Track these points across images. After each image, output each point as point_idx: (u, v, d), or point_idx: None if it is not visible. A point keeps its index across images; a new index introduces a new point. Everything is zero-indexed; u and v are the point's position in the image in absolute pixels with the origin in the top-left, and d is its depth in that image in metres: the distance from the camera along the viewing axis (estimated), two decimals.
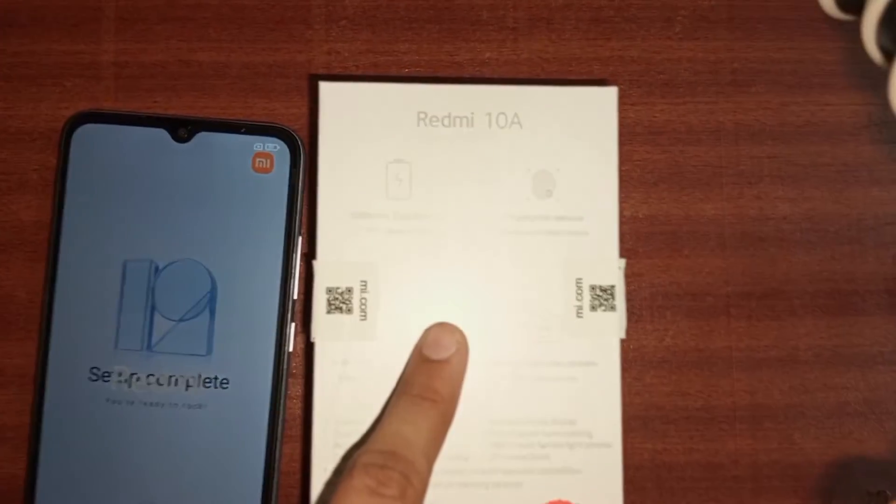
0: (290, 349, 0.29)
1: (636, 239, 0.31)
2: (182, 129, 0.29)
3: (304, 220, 0.29)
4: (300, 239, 0.29)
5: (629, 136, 0.31)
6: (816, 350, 0.31)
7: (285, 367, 0.29)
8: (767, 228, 0.31)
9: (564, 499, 0.26)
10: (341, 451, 0.26)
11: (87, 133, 0.29)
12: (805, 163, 0.32)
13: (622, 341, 0.27)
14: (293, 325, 0.29)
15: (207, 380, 0.29)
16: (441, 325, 0.27)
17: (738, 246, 0.31)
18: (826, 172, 0.32)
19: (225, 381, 0.29)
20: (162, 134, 0.29)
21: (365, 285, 0.26)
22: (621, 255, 0.28)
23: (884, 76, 0.27)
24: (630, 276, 0.31)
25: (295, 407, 0.30)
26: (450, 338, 0.26)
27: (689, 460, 0.31)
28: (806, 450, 0.31)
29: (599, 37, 0.32)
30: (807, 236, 0.31)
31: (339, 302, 0.26)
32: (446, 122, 0.27)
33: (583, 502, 0.26)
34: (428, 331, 0.27)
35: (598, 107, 0.27)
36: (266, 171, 0.29)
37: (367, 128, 0.27)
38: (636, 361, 0.31)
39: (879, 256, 0.31)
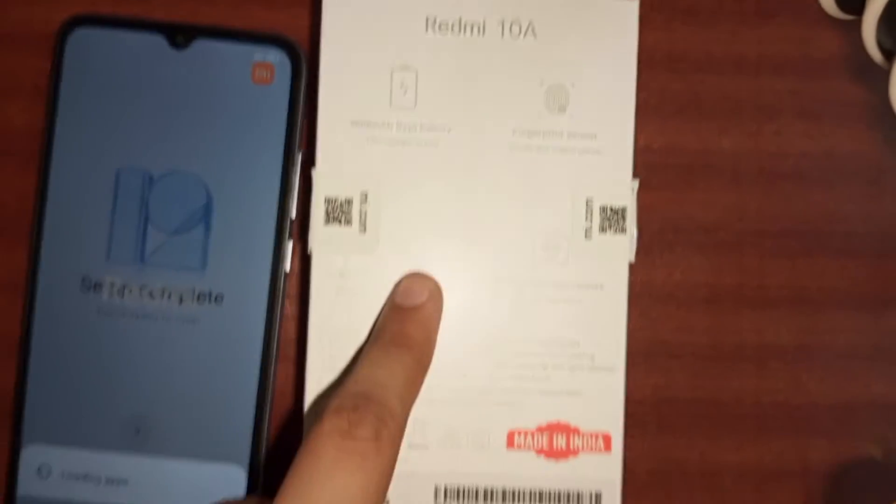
0: (287, 269, 0.29)
1: (649, 170, 0.31)
2: (180, 35, 0.29)
3: (305, 134, 0.29)
4: (299, 155, 0.28)
5: (647, 62, 0.30)
6: (828, 292, 0.31)
7: (282, 285, 0.28)
8: (785, 165, 0.31)
9: (563, 420, 0.26)
10: (338, 364, 0.26)
11: (83, 37, 0.29)
12: (828, 99, 0.31)
13: (631, 266, 0.27)
14: (290, 243, 0.28)
15: (201, 294, 0.28)
16: (413, 275, 0.26)
17: (753, 182, 0.31)
18: (849, 111, 0.31)
19: (220, 296, 0.28)
20: (159, 40, 0.29)
21: (365, 197, 0.26)
22: (634, 177, 0.27)
23: (885, 75, 0.28)
24: (641, 209, 0.30)
25: (290, 329, 0.29)
26: (422, 285, 0.26)
27: (692, 397, 0.30)
28: (811, 392, 0.31)
29: None
30: (825, 175, 0.31)
31: (339, 213, 0.26)
32: (456, 28, 0.26)
33: (582, 425, 0.26)
34: (400, 281, 0.26)
35: (619, 21, 0.26)
36: (266, 82, 0.29)
37: (371, 31, 0.26)
38: (643, 295, 0.30)
39: None
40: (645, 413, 0.30)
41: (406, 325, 0.25)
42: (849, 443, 0.31)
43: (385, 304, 0.26)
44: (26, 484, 0.28)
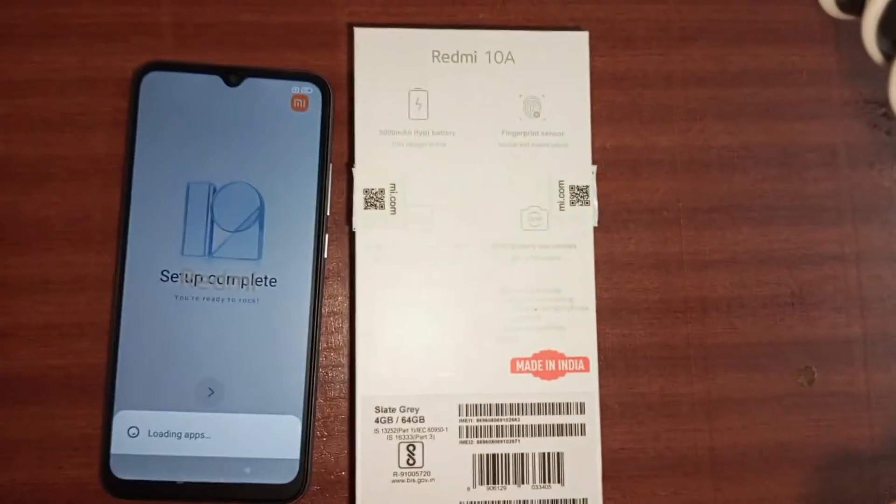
0: (325, 255, 0.35)
1: (605, 165, 0.37)
2: (233, 75, 0.35)
3: (334, 149, 0.35)
4: (331, 166, 0.35)
5: (598, 81, 0.38)
6: (752, 253, 0.37)
7: (322, 269, 0.34)
8: (710, 156, 0.38)
9: (552, 349, 0.33)
10: (378, 317, 0.32)
11: (154, 79, 0.35)
12: (741, 102, 0.38)
13: (595, 230, 0.34)
14: (327, 236, 0.35)
15: (259, 279, 0.34)
16: None
17: (687, 170, 0.38)
18: (758, 110, 0.38)
19: (273, 280, 0.34)
20: (216, 80, 0.35)
21: (394, 186, 0.33)
22: (593, 163, 0.34)
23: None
24: (601, 196, 0.37)
25: (338, 304, 0.36)
26: None
27: (649, 342, 0.37)
28: (745, 334, 0.37)
29: (573, 1, 0.38)
30: (742, 162, 0.38)
31: (374, 200, 0.33)
32: (455, 58, 0.33)
33: (567, 352, 0.33)
34: None
35: (574, 47, 0.34)
36: (302, 109, 0.35)
37: (392, 63, 0.33)
38: (607, 264, 0.37)
39: (802, 177, 0.38)
40: (614, 358, 0.37)
41: None
42: (778, 374, 0.37)
43: None
44: (119, 444, 0.33)
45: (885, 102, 0.38)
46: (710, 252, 0.37)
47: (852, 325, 0.37)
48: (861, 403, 0.37)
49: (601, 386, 0.36)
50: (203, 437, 0.34)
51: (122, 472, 0.33)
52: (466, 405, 0.32)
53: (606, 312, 0.36)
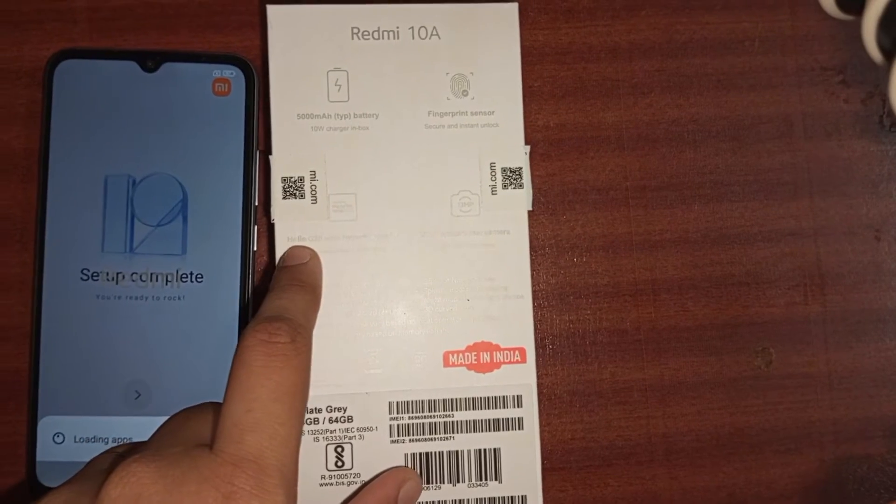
0: (255, 248, 0.33)
1: (549, 144, 0.36)
2: (150, 60, 0.34)
3: (261, 134, 0.34)
4: (258, 153, 0.34)
5: (539, 56, 0.36)
6: (704, 232, 0.36)
7: (251, 262, 0.33)
8: (659, 131, 0.36)
9: (487, 340, 0.31)
10: None
11: (68, 68, 0.33)
12: (690, 73, 0.37)
13: (539, 212, 0.32)
14: (255, 227, 0.34)
15: (184, 275, 0.33)
16: (295, 245, 0.31)
17: (634, 147, 0.36)
18: (708, 82, 0.37)
19: (199, 275, 0.33)
20: (132, 66, 0.34)
21: (314, 175, 0.31)
22: (527, 143, 0.33)
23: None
24: (545, 177, 0.36)
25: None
26: (303, 250, 0.31)
27: (598, 328, 0.36)
28: (698, 315, 0.36)
29: None
30: (693, 136, 0.36)
31: (293, 189, 0.31)
32: (376, 35, 0.32)
33: (502, 343, 0.31)
34: (284, 252, 0.31)
35: (503, 20, 0.32)
36: (224, 94, 0.34)
37: (308, 42, 0.31)
38: (552, 247, 0.36)
39: (756, 151, 0.37)
40: (561, 345, 0.35)
41: (295, 274, 0.30)
42: (734, 357, 0.36)
43: (276, 271, 0.31)
44: (44, 451, 0.32)
45: (843, 69, 0.37)
46: (661, 232, 0.36)
47: (811, 303, 0.36)
48: (822, 384, 0.36)
49: (550, 374, 0.35)
50: (131, 441, 0.32)
51: (49, 480, 0.33)
52: (397, 403, 0.31)
53: (553, 298, 0.35)
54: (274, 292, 0.29)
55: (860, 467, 0.36)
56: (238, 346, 0.25)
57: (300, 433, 0.25)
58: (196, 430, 0.27)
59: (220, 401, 0.26)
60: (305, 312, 0.28)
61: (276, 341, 0.25)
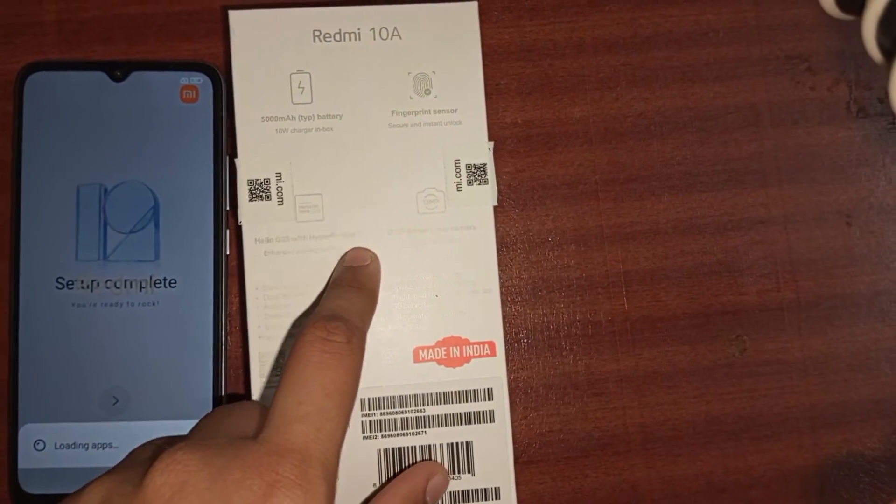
0: (227, 252, 0.34)
1: (517, 141, 0.36)
2: (118, 70, 0.34)
3: (230, 140, 0.34)
4: (227, 158, 0.34)
5: (504, 54, 0.37)
6: (674, 222, 0.36)
7: (224, 266, 0.34)
8: (626, 125, 0.37)
9: (456, 335, 0.32)
10: (271, 313, 0.31)
11: (38, 80, 0.34)
12: (655, 66, 0.37)
13: (495, 209, 0.33)
14: (227, 231, 0.34)
15: (158, 281, 0.33)
16: (358, 247, 0.32)
17: (602, 141, 0.36)
18: (673, 74, 0.37)
19: (173, 281, 0.33)
20: (101, 76, 0.34)
21: (280, 176, 0.32)
22: (490, 140, 0.33)
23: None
24: (514, 173, 0.36)
25: (236, 303, 0.35)
26: (365, 252, 0.32)
27: (572, 320, 0.36)
28: (671, 305, 0.36)
29: None
30: (659, 129, 0.37)
31: (260, 191, 0.32)
32: (337, 37, 0.32)
33: (471, 337, 0.32)
34: (347, 251, 0.32)
35: (464, 18, 0.33)
36: (192, 100, 0.34)
37: (271, 45, 0.32)
38: (523, 242, 0.36)
39: (723, 140, 0.37)
40: (536, 339, 0.36)
41: (357, 276, 0.31)
42: (708, 346, 0.36)
43: (336, 268, 0.31)
44: (25, 458, 0.33)
45: (808, 57, 0.37)
46: (631, 224, 0.36)
47: (783, 290, 0.36)
48: (797, 370, 0.36)
49: (525, 368, 0.35)
50: (111, 447, 0.33)
51: (31, 487, 0.33)
52: (368, 399, 0.31)
53: (526, 293, 0.36)
54: (334, 290, 0.29)
55: (838, 452, 0.36)
56: (296, 340, 0.26)
57: (345, 432, 0.25)
58: (238, 423, 0.27)
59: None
60: (362, 314, 0.29)
61: (332, 339, 0.26)
